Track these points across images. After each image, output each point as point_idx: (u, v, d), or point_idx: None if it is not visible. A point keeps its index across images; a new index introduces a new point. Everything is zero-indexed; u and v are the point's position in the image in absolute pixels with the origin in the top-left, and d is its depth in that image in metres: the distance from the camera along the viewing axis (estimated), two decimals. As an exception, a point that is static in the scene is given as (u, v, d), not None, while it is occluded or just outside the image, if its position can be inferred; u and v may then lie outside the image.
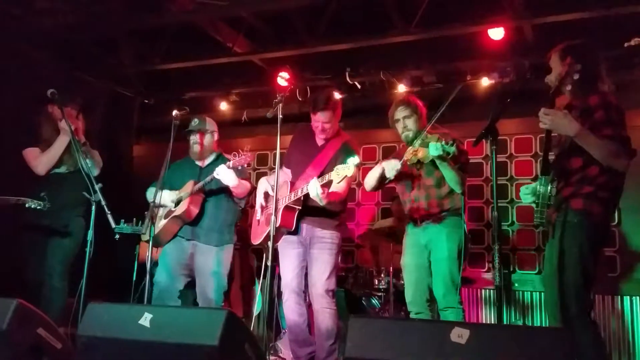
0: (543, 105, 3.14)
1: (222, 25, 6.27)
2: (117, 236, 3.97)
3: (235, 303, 5.97)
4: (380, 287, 5.75)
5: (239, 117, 7.46)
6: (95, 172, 4.56)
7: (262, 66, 6.80)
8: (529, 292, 6.17)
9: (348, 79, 6.59)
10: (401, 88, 6.58)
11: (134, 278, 5.36)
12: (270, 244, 3.74)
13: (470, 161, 4.18)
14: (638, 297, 5.78)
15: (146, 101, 7.72)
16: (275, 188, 3.89)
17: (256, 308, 6.25)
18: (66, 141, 4.59)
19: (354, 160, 3.64)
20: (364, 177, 4.38)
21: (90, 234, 3.96)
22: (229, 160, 4.21)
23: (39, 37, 5.99)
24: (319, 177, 3.90)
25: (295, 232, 4.17)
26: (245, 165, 4.22)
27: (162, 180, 4.15)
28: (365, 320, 2.47)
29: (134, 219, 5.06)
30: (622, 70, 5.48)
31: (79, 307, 3.70)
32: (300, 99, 6.88)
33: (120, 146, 7.71)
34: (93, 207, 3.93)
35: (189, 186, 4.44)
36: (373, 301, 5.78)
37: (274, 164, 3.95)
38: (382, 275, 5.78)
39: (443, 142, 3.55)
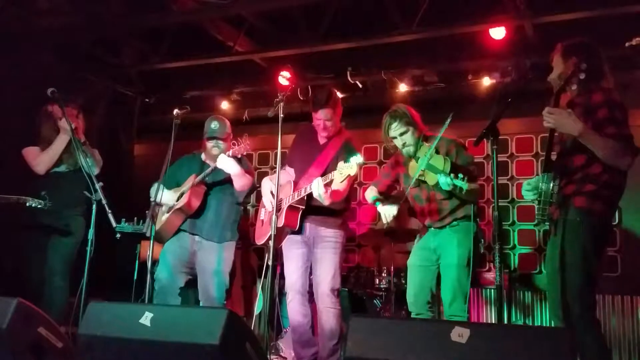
0: (545, 105, 3.13)
1: (223, 24, 6.27)
2: (118, 235, 3.97)
3: (237, 302, 5.97)
4: (382, 286, 5.75)
5: (240, 117, 7.45)
6: (96, 171, 4.56)
7: (263, 65, 6.80)
8: (530, 292, 6.17)
9: (349, 78, 6.59)
10: (402, 87, 6.58)
11: (135, 277, 5.36)
12: (271, 243, 3.74)
13: (474, 159, 4.08)
14: (639, 297, 5.78)
15: (147, 100, 7.72)
16: (277, 187, 3.89)
17: (257, 307, 6.25)
18: (66, 140, 4.60)
19: (357, 159, 3.63)
20: (364, 176, 4.38)
21: (91, 232, 3.96)
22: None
23: (40, 37, 5.99)
24: (322, 176, 3.89)
25: (299, 231, 4.17)
26: (245, 154, 4.21)
27: (163, 178, 4.14)
28: (366, 320, 2.46)
29: (135, 218, 5.09)
30: (623, 70, 5.46)
31: (80, 306, 3.71)
32: (301, 98, 6.88)
33: (121, 145, 7.72)
34: (94, 206, 3.94)
35: (190, 180, 4.44)
36: (374, 301, 5.77)
37: (276, 163, 3.95)
38: (383, 275, 5.78)
39: (453, 177, 3.46)
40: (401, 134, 3.95)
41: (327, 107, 4.12)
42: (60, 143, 4.64)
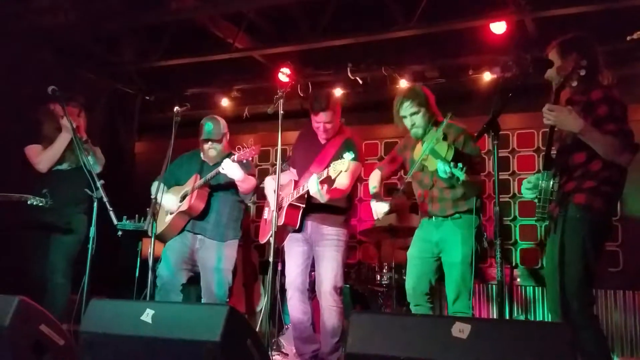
0: (546, 100, 3.13)
1: (222, 21, 6.26)
2: (119, 233, 3.97)
3: (238, 299, 5.98)
4: (383, 282, 5.75)
5: (240, 114, 7.44)
6: (98, 169, 4.57)
7: (263, 62, 6.79)
8: (531, 287, 6.17)
9: (349, 74, 6.58)
10: (403, 83, 6.57)
11: (137, 274, 5.37)
12: (271, 240, 3.74)
13: (481, 152, 4.03)
14: (640, 292, 5.78)
15: (147, 98, 7.72)
16: (277, 185, 3.89)
17: (259, 304, 6.26)
18: (68, 138, 4.60)
19: (349, 155, 3.62)
20: (366, 173, 4.37)
21: (93, 230, 3.97)
22: (233, 153, 4.21)
23: (40, 35, 5.99)
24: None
25: (300, 229, 4.16)
26: (250, 159, 4.21)
27: (163, 176, 4.15)
28: (367, 316, 2.47)
29: (136, 215, 5.09)
30: (624, 64, 5.46)
31: (82, 304, 3.72)
32: (301, 95, 6.87)
33: (121, 143, 7.71)
34: (95, 204, 3.94)
35: (192, 180, 4.44)
36: (379, 298, 5.77)
37: (276, 160, 3.95)
38: (385, 271, 5.78)
39: (452, 166, 3.41)
40: (412, 114, 3.85)
41: (327, 110, 4.12)
42: (62, 141, 4.65)
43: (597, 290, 5.64)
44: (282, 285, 5.53)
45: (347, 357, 2.35)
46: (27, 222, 4.61)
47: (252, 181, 4.39)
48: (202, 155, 4.57)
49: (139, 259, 5.66)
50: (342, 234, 4.16)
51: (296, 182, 4.22)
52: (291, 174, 4.35)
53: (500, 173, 3.09)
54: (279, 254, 4.64)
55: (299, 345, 4.31)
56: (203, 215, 4.40)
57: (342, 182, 3.99)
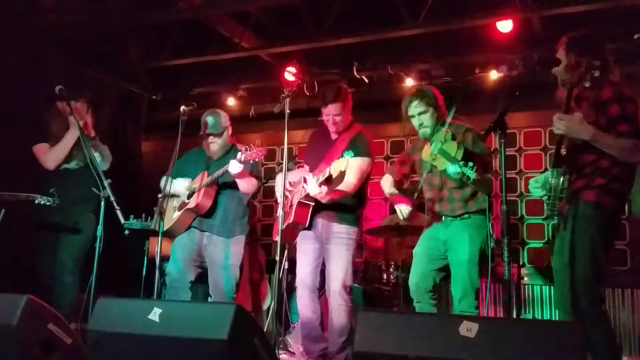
0: (553, 98, 3.12)
1: (229, 20, 6.27)
2: (126, 232, 3.99)
3: (244, 297, 5.98)
4: (390, 281, 5.75)
5: (246, 113, 7.46)
6: (105, 166, 4.59)
7: (269, 61, 6.80)
8: (538, 286, 6.15)
9: (355, 73, 6.57)
10: (409, 82, 6.56)
11: (144, 273, 5.38)
12: (278, 238, 3.75)
13: (490, 151, 4.03)
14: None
15: (154, 97, 7.73)
16: (283, 184, 3.90)
17: (265, 302, 6.26)
18: (76, 136, 4.61)
19: (350, 154, 3.63)
20: (373, 171, 4.36)
21: (100, 229, 3.98)
22: (240, 151, 4.22)
23: (47, 35, 6.01)
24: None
25: (311, 227, 4.17)
26: (257, 160, 4.22)
27: (170, 174, 4.16)
28: (374, 315, 2.46)
29: (143, 214, 5.10)
30: (631, 62, 5.43)
31: (89, 303, 3.73)
32: (307, 94, 6.87)
33: (128, 143, 7.73)
34: (102, 203, 3.96)
35: (200, 177, 4.46)
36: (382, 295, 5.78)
37: (282, 159, 3.95)
38: (391, 269, 5.78)
39: (462, 164, 3.39)
40: (420, 114, 3.86)
41: (336, 102, 4.12)
42: (70, 139, 4.66)
43: (605, 289, 5.62)
44: (289, 284, 5.55)
45: (354, 356, 2.34)
46: (35, 222, 4.64)
47: (252, 182, 4.40)
48: (206, 151, 4.58)
49: (146, 257, 5.67)
50: (352, 232, 4.15)
51: (306, 180, 4.21)
52: (303, 172, 4.36)
53: (507, 172, 3.07)
54: (287, 252, 4.65)
55: (307, 343, 4.31)
56: (210, 212, 4.41)
57: (349, 181, 3.99)
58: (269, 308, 6.13)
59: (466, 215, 3.79)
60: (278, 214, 4.39)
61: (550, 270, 3.36)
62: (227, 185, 4.43)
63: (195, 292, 4.81)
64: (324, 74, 6.88)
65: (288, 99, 3.90)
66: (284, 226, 4.09)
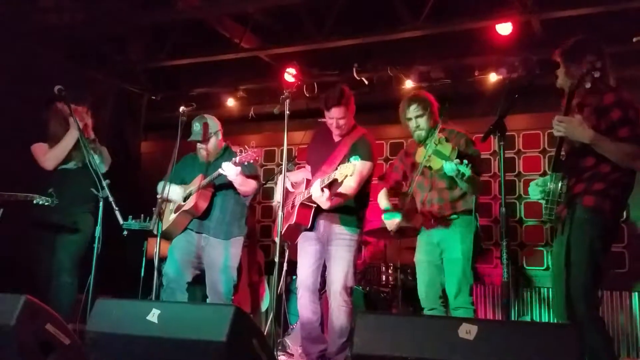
0: (552, 101, 3.12)
1: (228, 21, 6.27)
2: (125, 232, 3.99)
3: (243, 299, 5.98)
4: (389, 283, 5.74)
5: (246, 114, 7.46)
6: (104, 168, 4.58)
7: (269, 62, 6.79)
8: (537, 288, 6.15)
9: (355, 74, 6.57)
10: (409, 84, 6.56)
11: (142, 274, 5.38)
12: (277, 239, 3.75)
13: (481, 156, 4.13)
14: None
15: (153, 97, 7.73)
16: (283, 185, 3.90)
17: (264, 304, 6.26)
18: (75, 136, 4.60)
19: (356, 159, 3.67)
20: (376, 174, 4.39)
21: (98, 230, 3.98)
22: (235, 153, 4.22)
23: (46, 35, 6.01)
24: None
25: (312, 227, 4.17)
26: (252, 161, 4.22)
27: (169, 176, 4.16)
28: (373, 317, 2.46)
29: (142, 215, 5.10)
30: (630, 66, 5.44)
31: (88, 303, 3.72)
32: (307, 95, 6.87)
33: (128, 143, 7.73)
34: (101, 204, 3.95)
35: (197, 180, 4.46)
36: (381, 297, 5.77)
37: (282, 160, 3.95)
38: (391, 271, 5.78)
39: (457, 162, 3.51)
40: (417, 117, 4.01)
41: (340, 105, 4.12)
42: (69, 139, 4.66)
43: (603, 291, 5.63)
44: (287, 285, 5.54)
45: (354, 358, 2.34)
46: (34, 222, 4.63)
47: (251, 184, 4.39)
48: (199, 155, 4.59)
49: (144, 258, 5.66)
50: (354, 234, 4.15)
51: (308, 181, 4.22)
52: (305, 172, 4.36)
53: (506, 174, 3.07)
54: (286, 253, 4.64)
55: (306, 344, 4.30)
56: (206, 214, 4.41)
57: (349, 184, 3.99)
58: (267, 309, 6.12)
59: (454, 216, 3.92)
60: (278, 215, 4.41)
61: (548, 272, 3.37)
62: (223, 186, 4.43)
63: (193, 294, 4.81)
64: (323, 76, 6.88)
65: (288, 100, 3.90)
66: (286, 227, 4.09)
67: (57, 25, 6.01)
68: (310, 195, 3.98)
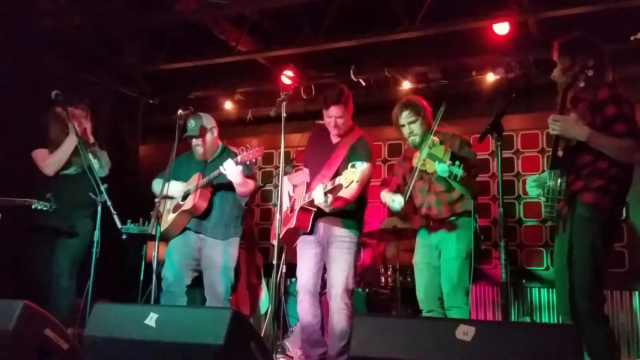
0: (550, 100, 3.12)
1: (225, 24, 6.27)
2: (124, 236, 3.98)
3: (242, 302, 5.97)
4: (388, 285, 5.74)
5: (243, 116, 7.45)
6: (104, 172, 4.59)
7: (266, 65, 6.79)
8: (537, 289, 6.15)
9: (352, 76, 6.57)
10: (406, 85, 6.57)
11: (142, 278, 5.37)
12: (275, 242, 3.74)
13: (477, 157, 4.13)
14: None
15: (151, 101, 7.73)
16: (280, 187, 3.90)
17: (263, 307, 6.25)
18: (74, 142, 4.61)
19: (362, 165, 3.70)
20: (374, 175, 4.39)
21: (97, 234, 3.98)
22: (235, 153, 4.21)
23: (44, 38, 6.00)
24: (331, 179, 3.90)
25: (312, 231, 4.17)
26: (254, 161, 4.21)
27: (167, 176, 4.17)
28: (371, 319, 2.46)
29: (140, 218, 5.09)
30: (628, 64, 5.44)
31: (86, 308, 3.72)
32: (305, 97, 6.87)
33: (126, 147, 7.72)
34: (99, 208, 3.95)
35: (195, 179, 4.45)
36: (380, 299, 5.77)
37: (280, 163, 3.95)
38: (390, 273, 5.77)
39: (450, 164, 3.55)
40: (409, 123, 4.04)
41: (339, 104, 4.12)
42: (68, 145, 4.65)
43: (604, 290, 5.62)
44: (286, 287, 5.54)
45: (351, 360, 2.34)
46: (32, 226, 4.62)
47: (250, 185, 4.40)
48: (195, 155, 4.59)
49: (143, 262, 5.65)
50: (354, 236, 4.15)
51: (308, 184, 4.21)
52: (305, 175, 4.35)
53: (504, 174, 3.07)
54: (285, 256, 4.64)
55: (306, 348, 4.30)
56: (205, 214, 4.41)
57: (348, 190, 3.98)
58: (266, 312, 6.11)
59: (453, 218, 3.94)
60: (276, 217, 4.40)
61: (547, 272, 3.36)
62: (221, 187, 4.43)
63: (192, 297, 4.80)
64: (321, 78, 6.88)
65: (284, 103, 3.90)
66: (285, 230, 4.09)
67: (55, 28, 6.01)
68: (312, 200, 3.98)
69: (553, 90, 3.33)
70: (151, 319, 2.62)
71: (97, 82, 6.92)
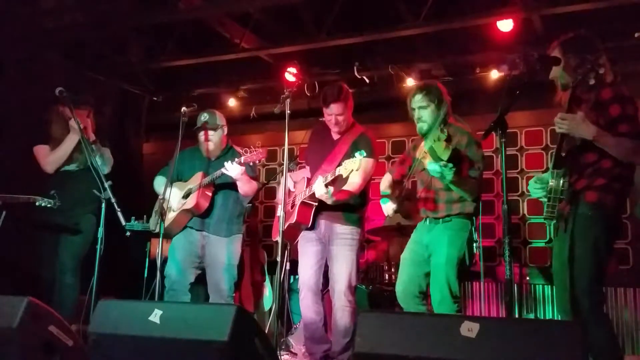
0: (554, 98, 3.11)
1: (229, 21, 6.26)
2: (128, 233, 3.98)
3: (246, 299, 5.98)
4: (392, 282, 5.74)
5: (247, 114, 7.46)
6: (106, 170, 4.59)
7: (269, 62, 6.79)
8: (540, 286, 6.14)
9: (356, 73, 6.56)
10: (410, 82, 6.55)
11: (145, 274, 5.38)
12: (279, 239, 3.75)
13: (483, 158, 3.89)
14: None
15: (155, 99, 7.73)
16: (284, 185, 3.89)
17: (267, 304, 6.26)
18: (76, 139, 4.62)
19: (361, 154, 3.62)
20: (375, 171, 4.35)
21: (101, 231, 3.99)
22: (239, 153, 4.20)
23: (47, 37, 6.01)
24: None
25: (314, 227, 4.16)
26: (257, 162, 4.21)
27: (171, 176, 4.17)
28: (375, 315, 2.46)
29: (145, 215, 5.11)
30: (631, 61, 5.42)
31: (91, 304, 3.73)
32: (308, 94, 6.86)
33: (129, 144, 7.74)
34: (103, 205, 3.96)
35: (197, 178, 4.46)
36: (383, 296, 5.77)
37: (283, 160, 3.95)
38: (393, 270, 5.77)
39: (443, 164, 3.37)
40: (420, 107, 3.81)
41: (339, 101, 4.11)
42: (70, 142, 4.66)
43: (607, 288, 5.62)
44: (289, 284, 5.54)
45: (355, 357, 2.34)
46: (36, 223, 4.63)
47: (253, 185, 4.42)
48: (201, 150, 4.58)
49: (147, 259, 5.67)
50: (356, 233, 4.14)
51: (309, 180, 4.21)
52: (305, 171, 4.35)
53: (508, 171, 3.07)
54: (288, 253, 4.64)
55: (310, 345, 4.30)
56: (207, 212, 4.42)
57: (354, 181, 3.98)
58: (270, 309, 6.12)
59: (448, 218, 3.75)
60: (278, 214, 4.40)
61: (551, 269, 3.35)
62: (224, 185, 4.44)
63: (196, 293, 4.81)
64: (324, 75, 6.87)
65: (288, 100, 3.89)
66: (286, 226, 4.09)
67: (58, 26, 6.01)
68: (312, 194, 3.97)
69: (556, 91, 3.33)
70: (155, 316, 2.62)
71: (101, 79, 6.93)
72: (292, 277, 5.60)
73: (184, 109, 4.31)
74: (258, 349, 2.59)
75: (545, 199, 3.09)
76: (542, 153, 6.49)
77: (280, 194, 4.30)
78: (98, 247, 3.96)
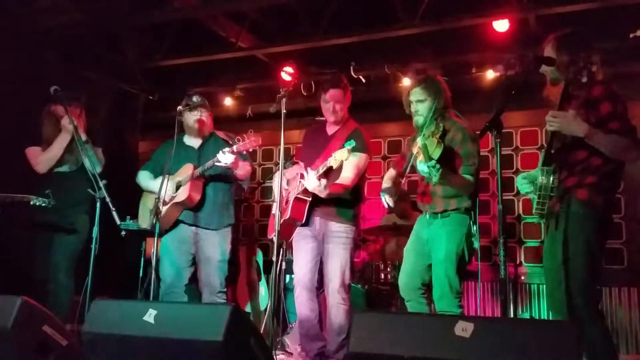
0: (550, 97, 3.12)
1: (225, 20, 6.26)
2: (123, 233, 3.97)
3: (242, 298, 5.98)
4: (388, 281, 5.74)
5: (243, 113, 7.45)
6: (98, 169, 4.56)
7: (266, 61, 6.79)
8: (536, 285, 6.16)
9: (353, 73, 6.56)
10: (406, 81, 6.55)
11: (141, 274, 5.38)
12: (275, 238, 3.74)
13: (479, 155, 3.89)
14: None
15: (150, 97, 7.72)
16: (280, 183, 3.89)
17: (262, 303, 6.25)
18: (67, 140, 4.61)
19: (350, 144, 3.64)
20: (368, 171, 4.35)
21: (95, 230, 3.98)
22: (223, 140, 4.18)
23: (42, 35, 5.99)
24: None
25: (308, 224, 4.16)
26: (250, 150, 4.21)
27: (149, 165, 4.24)
28: (370, 315, 2.46)
29: (131, 213, 5.10)
30: (626, 61, 5.44)
31: (85, 304, 3.72)
32: (304, 94, 6.86)
33: (125, 143, 7.71)
34: (97, 204, 3.95)
35: (187, 170, 4.41)
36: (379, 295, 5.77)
37: (280, 159, 3.94)
38: (389, 269, 5.78)
39: (432, 164, 3.35)
40: (417, 101, 3.79)
41: (339, 88, 4.13)
42: (60, 143, 4.64)
43: (602, 287, 5.63)
44: (285, 283, 5.54)
45: (350, 357, 2.34)
46: (30, 223, 4.62)
47: (247, 167, 4.43)
48: (185, 138, 4.56)
49: (142, 258, 5.66)
50: (351, 231, 4.13)
51: (302, 176, 4.21)
52: (299, 168, 4.35)
53: (503, 171, 3.06)
54: (284, 252, 4.64)
55: (305, 342, 4.30)
56: (198, 205, 4.40)
57: (346, 175, 3.98)
58: (266, 308, 6.12)
59: (446, 213, 3.73)
60: (273, 210, 4.40)
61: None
62: (214, 177, 4.43)
63: (191, 294, 4.80)
64: (321, 74, 6.87)
65: (284, 99, 3.89)
66: (281, 222, 4.08)
67: (54, 25, 5.99)
68: (305, 189, 3.97)
69: (545, 87, 3.34)
70: (150, 316, 2.62)
71: (96, 78, 6.91)
72: (287, 276, 5.61)
73: (180, 107, 4.31)
74: (253, 349, 2.58)
75: (535, 196, 3.10)
76: (537, 153, 6.50)
77: (275, 193, 4.31)
78: (93, 246, 3.95)
